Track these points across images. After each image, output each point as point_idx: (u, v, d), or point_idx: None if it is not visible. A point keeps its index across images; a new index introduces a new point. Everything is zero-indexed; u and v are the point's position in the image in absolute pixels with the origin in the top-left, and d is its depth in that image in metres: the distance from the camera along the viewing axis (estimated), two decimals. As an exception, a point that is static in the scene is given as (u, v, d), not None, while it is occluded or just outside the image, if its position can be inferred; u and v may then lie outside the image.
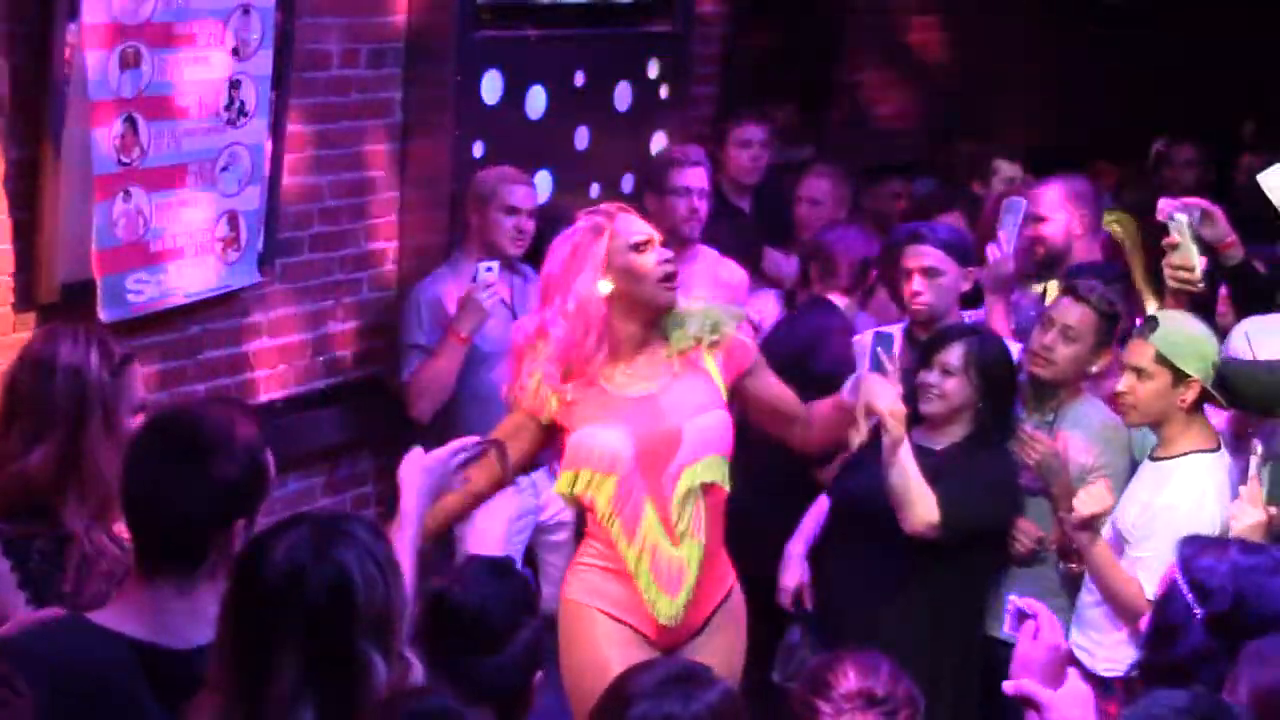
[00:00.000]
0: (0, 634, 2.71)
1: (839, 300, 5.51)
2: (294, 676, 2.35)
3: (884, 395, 4.25)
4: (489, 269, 5.20)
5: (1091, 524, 4.21)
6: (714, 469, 4.12)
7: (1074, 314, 4.62)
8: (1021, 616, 2.88)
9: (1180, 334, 4.25)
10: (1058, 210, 5.80)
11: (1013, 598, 2.93)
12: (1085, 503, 4.18)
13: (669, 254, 4.13)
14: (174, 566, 2.67)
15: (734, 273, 5.73)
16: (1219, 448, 4.29)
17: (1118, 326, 4.72)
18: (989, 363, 4.59)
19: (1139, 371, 4.24)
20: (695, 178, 5.60)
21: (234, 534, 2.71)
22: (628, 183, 6.30)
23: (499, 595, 2.78)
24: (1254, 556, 2.98)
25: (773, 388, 4.31)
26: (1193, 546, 3.03)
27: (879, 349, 4.43)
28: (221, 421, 2.75)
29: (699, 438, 4.08)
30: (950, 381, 4.55)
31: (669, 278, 4.09)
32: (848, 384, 4.54)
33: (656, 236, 4.14)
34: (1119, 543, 4.28)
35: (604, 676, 2.75)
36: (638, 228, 4.13)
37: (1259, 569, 2.93)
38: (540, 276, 4.23)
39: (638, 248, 4.07)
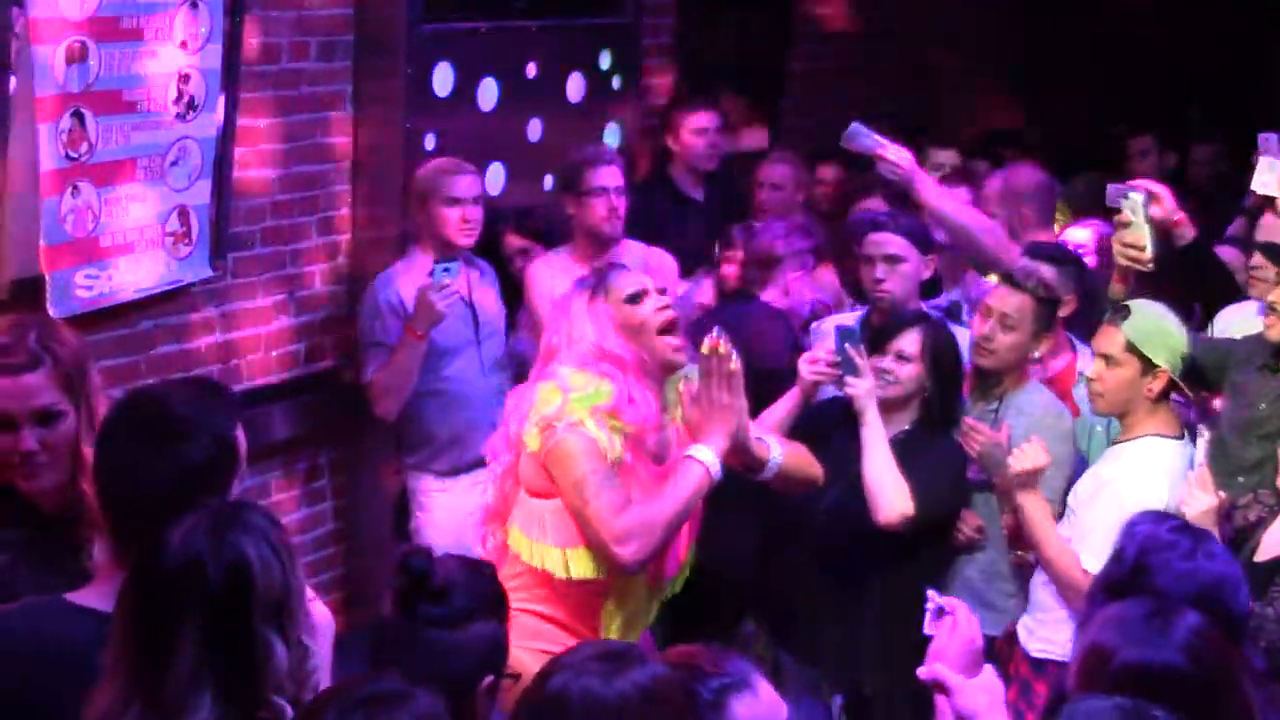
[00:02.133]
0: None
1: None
2: (192, 661, 2.38)
3: (860, 387, 4.40)
4: (446, 270, 5.17)
5: (1029, 482, 4.23)
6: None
7: (1011, 302, 4.63)
8: (940, 612, 2.91)
9: (1152, 324, 4.26)
10: (997, 207, 5.83)
11: (932, 593, 2.95)
12: (1020, 459, 4.21)
13: (666, 300, 3.97)
14: (143, 545, 2.66)
15: (663, 260, 5.72)
16: (1182, 436, 4.32)
17: (1058, 310, 4.74)
18: (940, 350, 4.62)
19: (1107, 359, 4.25)
20: (610, 176, 5.52)
21: None
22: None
23: (467, 581, 2.77)
24: (1179, 535, 3.01)
25: None
26: (1141, 515, 3.06)
27: (848, 345, 4.45)
28: (189, 401, 2.76)
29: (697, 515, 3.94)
30: (906, 368, 4.57)
31: (670, 326, 3.90)
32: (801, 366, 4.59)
33: (650, 285, 3.98)
34: (1071, 517, 4.31)
35: None
36: (629, 280, 3.94)
37: (1175, 547, 2.96)
38: (542, 347, 3.99)
39: (633, 299, 3.88)
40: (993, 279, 5.75)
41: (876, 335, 4.69)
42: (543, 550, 3.77)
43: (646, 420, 3.78)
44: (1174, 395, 4.34)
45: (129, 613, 2.47)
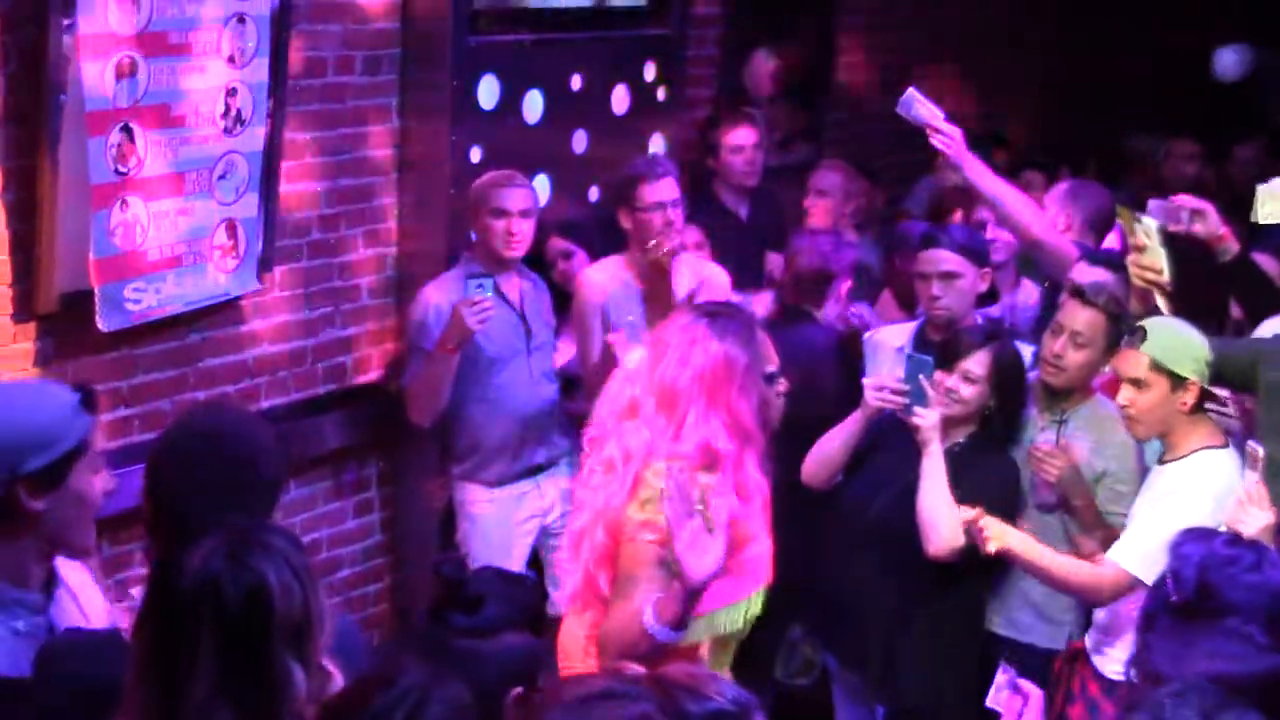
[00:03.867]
0: (45, 643, 2.72)
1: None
2: (209, 685, 2.35)
3: (929, 419, 4.38)
4: (480, 285, 5.15)
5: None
6: None
7: (1082, 318, 4.57)
8: (1015, 688, 2.88)
9: (1171, 338, 4.21)
10: (1051, 206, 5.82)
11: (1006, 668, 2.92)
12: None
13: (784, 387, 3.78)
14: (162, 568, 2.66)
15: (716, 274, 5.70)
16: (1227, 444, 4.27)
17: (1124, 326, 4.70)
18: (1007, 371, 4.59)
19: (1135, 383, 4.19)
20: (666, 189, 5.46)
21: None
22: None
23: (502, 592, 2.76)
24: (1238, 550, 2.98)
25: None
26: (1184, 535, 3.04)
27: (921, 376, 4.41)
28: (245, 421, 2.77)
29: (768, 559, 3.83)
30: (971, 389, 4.54)
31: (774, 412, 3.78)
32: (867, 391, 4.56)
33: (776, 362, 3.76)
34: None
35: None
36: (772, 357, 3.73)
37: (1237, 561, 2.93)
38: (658, 381, 3.64)
39: (771, 379, 3.70)
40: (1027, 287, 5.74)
41: (943, 353, 4.63)
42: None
43: (732, 514, 3.58)
44: (1208, 405, 4.29)
45: (146, 636, 2.44)
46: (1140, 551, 4.04)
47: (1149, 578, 3.57)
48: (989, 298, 5.45)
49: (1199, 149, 7.82)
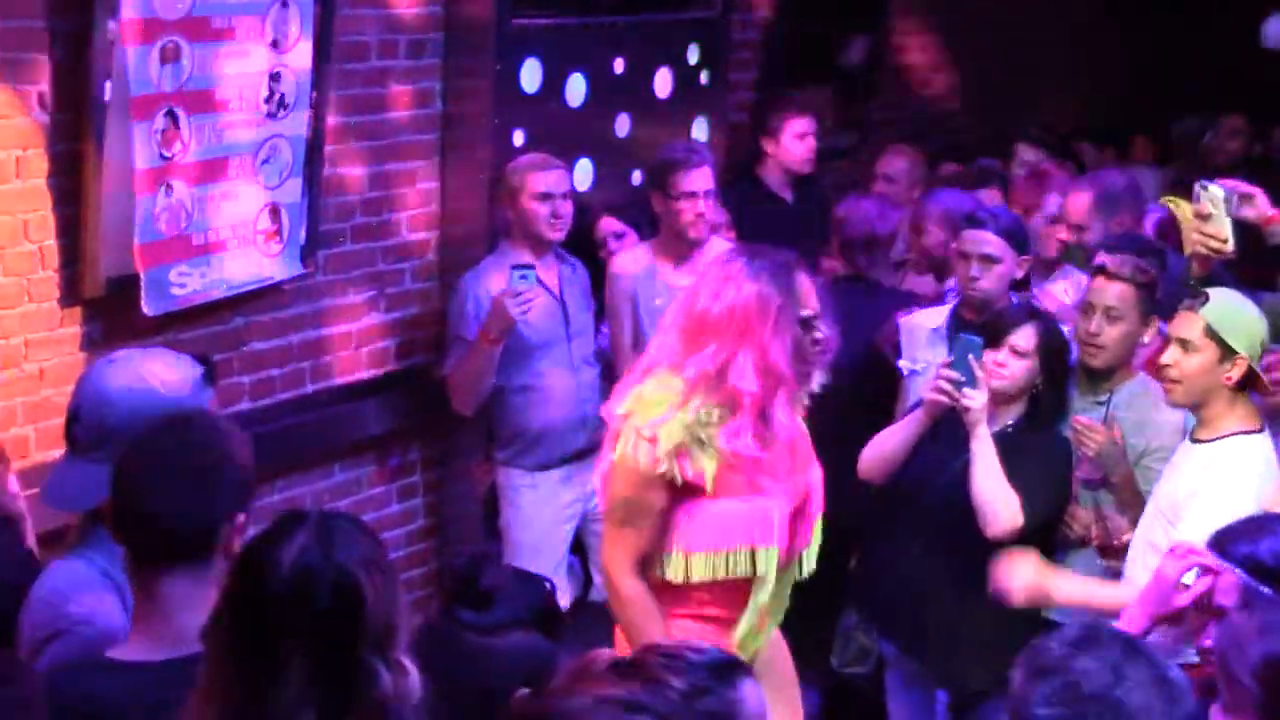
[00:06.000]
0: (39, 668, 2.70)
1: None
2: (299, 684, 2.27)
3: (978, 401, 4.35)
4: (523, 276, 5.14)
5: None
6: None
7: (1112, 292, 4.55)
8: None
9: (1231, 309, 4.15)
10: (1092, 220, 5.73)
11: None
12: None
13: (824, 333, 3.75)
14: (185, 569, 2.63)
15: None
16: (1262, 429, 4.19)
17: (1156, 293, 4.66)
18: (1053, 346, 4.56)
19: (1185, 344, 4.11)
20: (701, 179, 5.47)
21: (237, 530, 2.69)
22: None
23: (515, 592, 2.73)
24: None
25: None
26: (1231, 538, 3.00)
27: (970, 355, 4.38)
28: (209, 424, 2.75)
29: (817, 492, 3.87)
30: (1020, 364, 4.52)
31: (821, 356, 3.81)
32: (923, 385, 4.53)
33: (818, 307, 3.75)
34: (1158, 521, 4.23)
35: None
36: (811, 300, 3.72)
37: None
38: (690, 311, 3.69)
39: (806, 324, 3.70)
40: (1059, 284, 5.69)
41: (989, 330, 4.59)
42: (677, 559, 3.71)
43: (746, 455, 3.65)
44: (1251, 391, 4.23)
45: (231, 631, 2.35)
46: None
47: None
48: (1022, 285, 5.42)
49: (1246, 126, 7.75)
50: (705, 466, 3.63)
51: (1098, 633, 2.27)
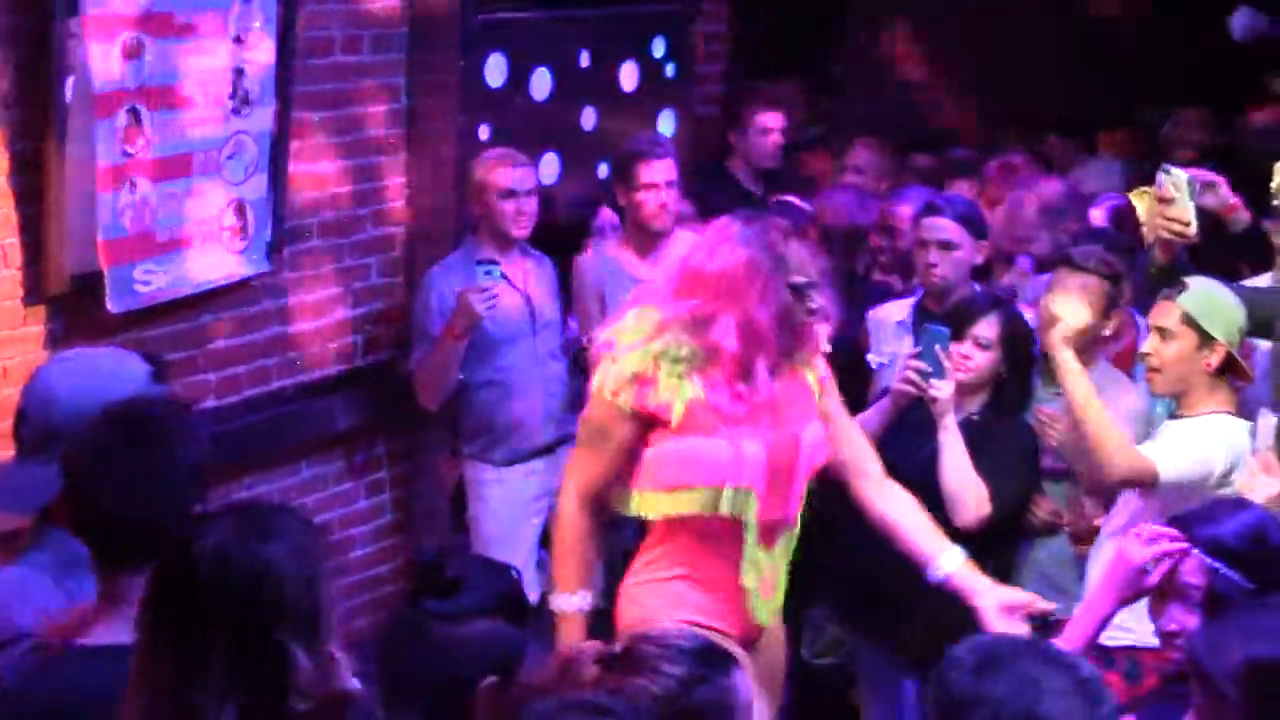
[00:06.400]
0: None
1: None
2: (222, 671, 2.29)
3: (945, 391, 4.36)
4: (488, 272, 5.15)
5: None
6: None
7: (1076, 283, 4.57)
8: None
9: (1209, 297, 4.19)
10: (1038, 233, 5.76)
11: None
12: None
13: (822, 302, 3.76)
14: (167, 555, 2.63)
15: None
16: (1235, 411, 4.26)
17: (1122, 285, 4.69)
18: (1017, 335, 4.58)
19: (1163, 332, 4.16)
20: (663, 170, 5.45)
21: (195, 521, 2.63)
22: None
23: (481, 581, 2.73)
24: (1260, 509, 3.01)
25: (844, 423, 3.98)
26: (1195, 519, 3.01)
27: (937, 346, 4.39)
28: (166, 408, 2.74)
29: (812, 449, 3.81)
30: (984, 355, 4.54)
31: (806, 328, 3.78)
32: (891, 377, 4.54)
33: (814, 275, 3.75)
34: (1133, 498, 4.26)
35: None
36: (805, 269, 3.72)
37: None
38: (684, 264, 3.74)
39: (799, 292, 3.69)
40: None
41: (952, 321, 4.61)
42: (636, 496, 3.72)
43: (718, 402, 3.66)
44: (1230, 377, 4.27)
45: (155, 627, 2.37)
46: (1166, 454, 4.05)
47: (1164, 475, 3.97)
48: (984, 272, 5.44)
49: (1207, 117, 7.79)
50: (671, 400, 3.62)
51: (998, 650, 2.22)
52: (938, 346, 4.40)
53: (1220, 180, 4.55)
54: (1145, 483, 4.08)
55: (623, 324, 3.73)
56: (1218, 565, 2.92)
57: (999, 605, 3.66)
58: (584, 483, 3.75)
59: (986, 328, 4.54)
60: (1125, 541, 3.04)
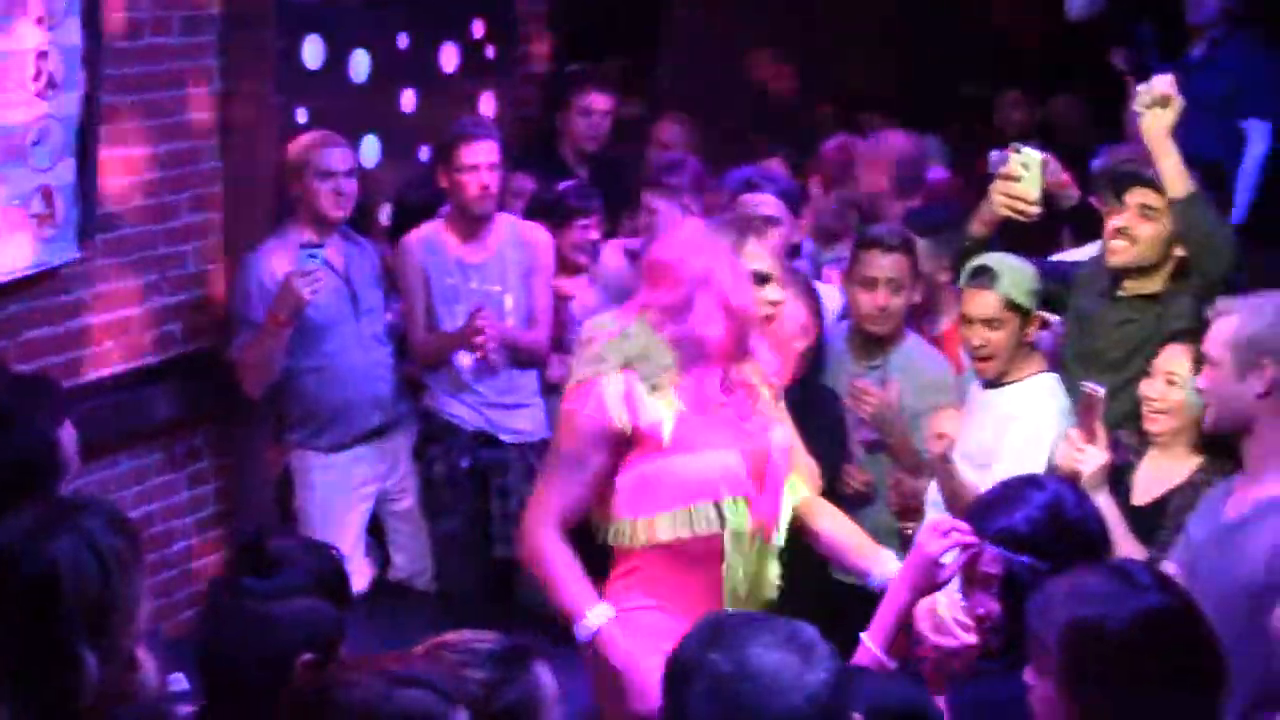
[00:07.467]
0: None
1: None
2: (4, 666, 2.26)
3: None
4: (311, 255, 5.08)
5: (947, 456, 4.25)
6: (796, 486, 3.86)
7: (890, 263, 4.68)
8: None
9: (1018, 276, 4.33)
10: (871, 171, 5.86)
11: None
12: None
13: (779, 295, 3.83)
14: None
15: (536, 234, 5.67)
16: (1050, 369, 4.42)
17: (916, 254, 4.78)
18: (813, 302, 4.62)
19: (989, 322, 4.31)
20: (484, 152, 5.41)
21: None
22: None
23: (300, 560, 2.69)
24: (1054, 484, 3.12)
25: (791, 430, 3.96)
26: (987, 511, 3.07)
27: None
28: (4, 397, 2.67)
29: (783, 455, 3.78)
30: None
31: (767, 320, 3.81)
32: None
33: (775, 272, 3.80)
34: (966, 467, 4.33)
35: None
36: (760, 259, 3.75)
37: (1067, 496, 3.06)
38: (652, 259, 3.72)
39: (759, 279, 3.71)
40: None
41: None
42: (628, 525, 3.64)
43: (696, 405, 3.62)
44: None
45: None
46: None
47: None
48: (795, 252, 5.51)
49: (1024, 97, 7.95)
50: (660, 419, 3.57)
51: (722, 623, 2.30)
52: None
53: (1050, 157, 4.65)
54: None
55: (598, 321, 3.66)
56: (1010, 556, 2.98)
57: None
58: (560, 511, 3.64)
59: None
60: (923, 533, 3.08)
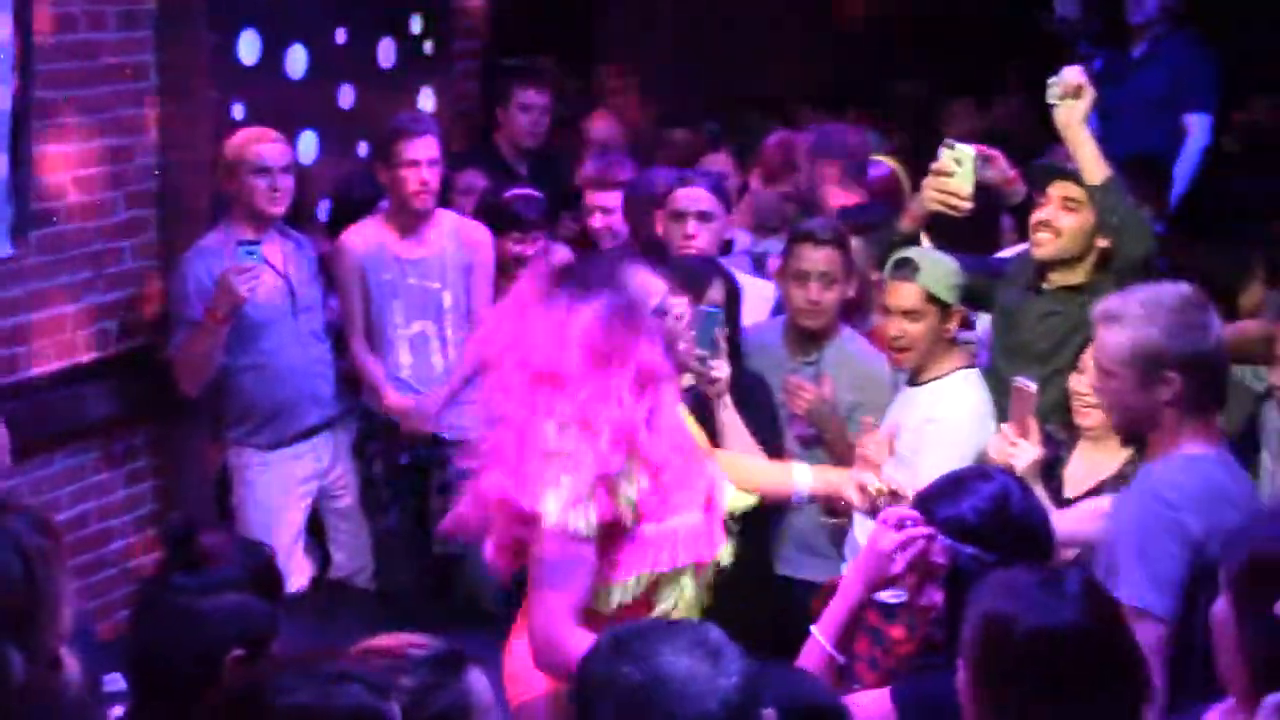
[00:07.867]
0: None
1: None
2: None
3: (724, 371, 4.19)
4: (249, 252, 5.06)
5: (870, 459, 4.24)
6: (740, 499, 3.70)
7: (822, 257, 4.68)
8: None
9: (939, 269, 4.37)
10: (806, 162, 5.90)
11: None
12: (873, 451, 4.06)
13: (680, 307, 3.74)
14: None
15: (475, 232, 5.65)
16: (973, 364, 4.46)
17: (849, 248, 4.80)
18: (733, 295, 4.64)
19: (908, 314, 4.34)
20: (423, 148, 5.40)
21: None
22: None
23: (231, 556, 2.67)
24: (1001, 477, 3.12)
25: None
26: (935, 501, 3.08)
27: (716, 328, 4.22)
28: None
29: (718, 488, 3.56)
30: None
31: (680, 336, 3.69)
32: None
33: (664, 289, 3.52)
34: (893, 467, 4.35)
35: None
36: (655, 285, 3.50)
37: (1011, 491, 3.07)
38: (552, 365, 3.27)
39: (661, 312, 3.48)
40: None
41: (691, 288, 4.59)
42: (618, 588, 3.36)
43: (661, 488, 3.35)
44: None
45: None
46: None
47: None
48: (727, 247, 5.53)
49: (971, 106, 7.98)
50: (625, 506, 3.28)
51: (628, 632, 2.25)
52: (717, 329, 4.26)
53: (997, 154, 4.68)
54: None
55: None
56: (958, 546, 3.00)
57: (859, 487, 3.75)
58: (573, 616, 3.27)
59: (717, 292, 4.57)
60: (877, 529, 3.08)
